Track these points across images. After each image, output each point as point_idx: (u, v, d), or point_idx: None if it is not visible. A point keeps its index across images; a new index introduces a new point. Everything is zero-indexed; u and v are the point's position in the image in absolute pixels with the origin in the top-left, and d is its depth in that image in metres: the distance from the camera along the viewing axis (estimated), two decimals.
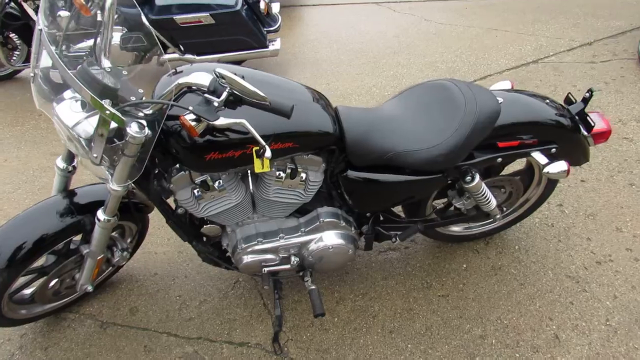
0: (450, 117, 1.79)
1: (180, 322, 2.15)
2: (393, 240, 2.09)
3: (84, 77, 1.37)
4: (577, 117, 1.99)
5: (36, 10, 3.94)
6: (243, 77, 1.36)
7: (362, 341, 2.05)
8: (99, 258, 1.86)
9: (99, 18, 1.47)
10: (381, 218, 2.12)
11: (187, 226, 1.90)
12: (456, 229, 2.38)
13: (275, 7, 4.45)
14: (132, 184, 1.68)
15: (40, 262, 1.92)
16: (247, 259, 1.93)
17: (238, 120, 1.38)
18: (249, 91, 1.31)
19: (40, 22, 1.37)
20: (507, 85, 2.12)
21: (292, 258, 1.96)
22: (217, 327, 2.13)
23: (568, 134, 1.96)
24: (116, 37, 3.86)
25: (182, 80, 1.41)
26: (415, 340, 2.05)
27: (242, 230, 1.95)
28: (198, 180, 1.70)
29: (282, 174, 1.77)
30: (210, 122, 1.36)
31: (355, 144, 1.76)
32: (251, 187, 1.83)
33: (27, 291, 1.97)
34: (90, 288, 1.97)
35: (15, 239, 1.73)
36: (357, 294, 2.24)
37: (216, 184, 1.71)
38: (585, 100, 1.97)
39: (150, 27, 3.83)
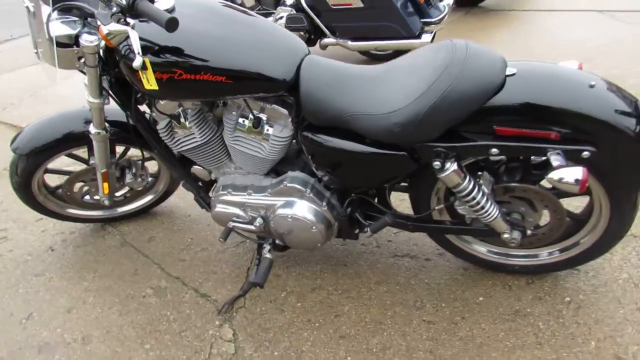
0: (423, 81, 1.39)
1: (173, 260, 2.21)
2: (365, 230, 1.74)
3: None
4: None
5: None
6: None
7: (306, 335, 1.77)
8: (102, 171, 2.04)
9: None
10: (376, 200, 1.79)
11: (174, 159, 1.94)
12: (482, 249, 1.83)
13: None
14: (111, 99, 1.81)
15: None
16: (218, 208, 1.88)
17: (122, 28, 1.35)
18: None
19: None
20: (572, 65, 1.53)
21: (258, 220, 1.82)
22: (197, 274, 2.12)
23: (624, 138, 1.32)
24: (284, 16, 4.15)
25: None
26: (359, 356, 1.67)
27: (224, 179, 1.91)
28: (174, 112, 1.73)
29: (246, 122, 1.68)
30: (102, 25, 1.37)
31: (309, 97, 1.53)
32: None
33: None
34: (106, 202, 2.18)
35: (42, 133, 2.02)
36: (338, 289, 1.94)
37: (187, 119, 1.72)
38: None
39: (309, 9, 4.01)
